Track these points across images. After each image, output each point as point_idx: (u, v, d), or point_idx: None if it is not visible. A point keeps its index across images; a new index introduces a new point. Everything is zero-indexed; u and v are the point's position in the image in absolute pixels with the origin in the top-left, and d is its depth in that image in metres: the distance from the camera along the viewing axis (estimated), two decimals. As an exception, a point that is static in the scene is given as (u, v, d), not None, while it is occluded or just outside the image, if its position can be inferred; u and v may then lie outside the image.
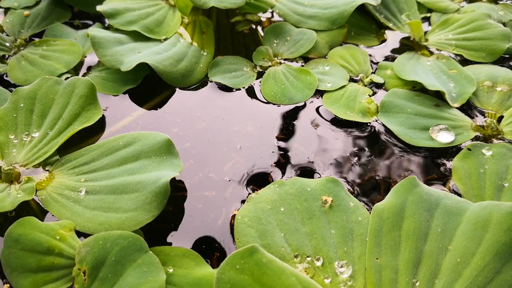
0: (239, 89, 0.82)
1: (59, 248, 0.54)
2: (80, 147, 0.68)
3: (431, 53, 0.92)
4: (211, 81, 0.83)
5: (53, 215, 0.60)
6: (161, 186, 0.58)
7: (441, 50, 0.93)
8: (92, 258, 0.52)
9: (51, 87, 0.74)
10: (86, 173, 0.64)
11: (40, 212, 0.62)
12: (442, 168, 0.70)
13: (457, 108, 0.79)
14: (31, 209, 0.62)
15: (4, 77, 0.84)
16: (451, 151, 0.72)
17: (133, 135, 0.67)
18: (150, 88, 0.82)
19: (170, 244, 0.60)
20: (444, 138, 0.73)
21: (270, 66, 0.86)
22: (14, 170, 0.64)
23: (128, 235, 0.53)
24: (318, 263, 0.56)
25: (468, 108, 0.80)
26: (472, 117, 0.78)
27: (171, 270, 0.54)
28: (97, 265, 0.52)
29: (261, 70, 0.86)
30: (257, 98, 0.81)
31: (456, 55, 0.91)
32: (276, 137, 0.74)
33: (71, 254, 0.54)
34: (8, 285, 0.55)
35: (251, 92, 0.82)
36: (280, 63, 0.87)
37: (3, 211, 0.58)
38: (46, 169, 0.66)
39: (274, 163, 0.70)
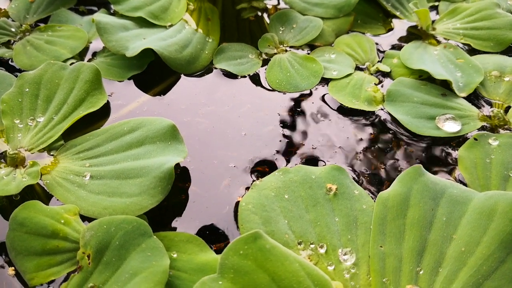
0: (244, 76, 0.82)
1: (64, 232, 0.55)
2: (85, 132, 0.68)
3: (439, 42, 0.91)
4: (216, 68, 0.83)
5: (57, 200, 0.60)
6: (165, 171, 0.58)
7: (448, 40, 0.92)
8: (96, 242, 0.53)
9: (56, 72, 0.73)
10: (90, 158, 0.64)
11: (45, 197, 0.62)
12: (447, 158, 0.70)
13: (464, 97, 0.78)
14: (36, 193, 0.63)
15: (10, 62, 0.84)
16: (457, 140, 0.72)
17: (138, 120, 0.67)
18: (155, 74, 0.81)
19: (174, 229, 0.60)
20: (450, 127, 0.72)
21: (275, 53, 0.86)
22: (19, 154, 0.64)
23: (132, 220, 0.53)
24: (322, 250, 0.56)
25: (475, 98, 0.79)
26: (479, 107, 0.77)
27: (175, 255, 0.54)
28: (101, 249, 0.52)
29: (266, 57, 0.85)
30: (262, 86, 0.80)
31: (464, 44, 0.90)
32: (281, 125, 0.74)
33: (76, 238, 0.54)
34: (13, 267, 0.55)
35: (256, 79, 0.81)
36: (286, 50, 0.86)
37: (8, 195, 0.59)
38: (51, 153, 0.66)
39: (279, 150, 0.70)
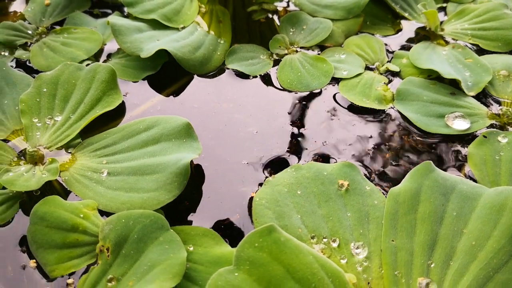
0: (256, 77, 0.83)
1: (83, 226, 0.56)
2: (102, 131, 0.70)
3: (447, 42, 0.92)
4: (228, 68, 0.84)
5: (76, 195, 0.62)
6: (181, 167, 0.59)
7: (457, 40, 0.93)
8: (115, 236, 0.54)
9: (73, 72, 0.75)
10: (107, 155, 0.66)
11: (64, 193, 0.64)
12: (457, 155, 0.71)
13: (472, 96, 0.79)
14: (55, 189, 0.64)
15: (27, 64, 0.86)
16: (467, 138, 0.73)
17: (154, 119, 0.68)
18: (168, 75, 0.83)
19: (190, 224, 0.61)
20: (459, 125, 0.73)
21: (286, 54, 0.87)
22: (38, 152, 0.66)
23: (150, 214, 0.55)
24: (335, 244, 0.58)
25: (483, 97, 0.80)
26: (487, 106, 0.78)
27: (191, 249, 0.56)
28: (120, 242, 0.54)
29: (277, 58, 0.87)
30: (273, 85, 0.82)
31: (472, 44, 0.91)
32: (292, 123, 0.75)
33: (95, 231, 0.56)
34: (34, 260, 0.57)
35: (267, 79, 0.83)
36: (297, 51, 0.88)
37: (28, 190, 0.60)
38: (69, 151, 0.68)
39: (291, 148, 0.71)
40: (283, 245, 0.50)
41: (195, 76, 0.83)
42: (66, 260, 0.55)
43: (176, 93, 0.80)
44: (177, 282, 0.48)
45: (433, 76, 0.82)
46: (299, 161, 0.69)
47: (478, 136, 0.72)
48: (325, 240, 0.58)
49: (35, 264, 0.56)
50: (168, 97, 0.80)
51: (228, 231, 0.61)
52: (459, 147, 0.72)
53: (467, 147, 0.71)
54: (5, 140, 0.70)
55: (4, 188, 0.62)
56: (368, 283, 0.55)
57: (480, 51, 0.89)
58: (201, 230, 0.58)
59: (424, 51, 0.87)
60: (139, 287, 0.48)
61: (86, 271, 0.54)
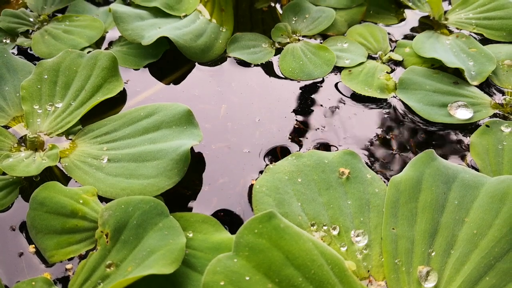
0: (258, 65, 0.83)
1: (83, 212, 0.56)
2: (102, 118, 0.70)
3: (451, 32, 0.91)
4: (229, 57, 0.84)
5: (76, 182, 0.62)
6: (181, 154, 0.59)
7: (461, 29, 0.92)
8: (114, 221, 0.54)
9: (74, 60, 0.75)
10: (108, 142, 0.66)
11: (64, 179, 0.64)
12: (459, 144, 0.70)
13: (476, 86, 0.78)
14: (55, 176, 0.64)
15: (28, 51, 0.85)
16: (470, 127, 0.72)
17: (154, 106, 0.68)
18: (170, 62, 0.83)
19: (190, 210, 0.61)
20: (462, 114, 0.73)
21: (288, 42, 0.87)
22: (38, 138, 0.66)
23: (150, 200, 0.55)
24: (335, 232, 0.57)
25: (487, 86, 0.79)
26: (491, 95, 0.77)
27: (190, 235, 0.55)
28: (119, 228, 0.53)
29: (279, 46, 0.86)
30: (275, 74, 0.81)
31: (477, 34, 0.90)
32: (294, 111, 0.75)
33: (94, 217, 0.56)
34: (33, 245, 0.57)
35: (269, 67, 0.82)
36: (299, 40, 0.87)
37: (28, 176, 0.60)
38: (69, 138, 0.68)
39: (292, 136, 0.71)
40: (283, 231, 0.50)
41: (197, 64, 0.83)
42: (65, 245, 0.55)
43: (177, 81, 0.80)
44: (176, 268, 0.48)
45: (436, 66, 0.82)
46: (300, 149, 0.69)
47: (481, 125, 0.71)
48: (325, 227, 0.58)
49: (34, 249, 0.56)
50: (169, 85, 0.79)
51: (228, 218, 0.60)
52: (461, 137, 0.71)
53: (469, 136, 0.71)
54: (6, 127, 0.70)
55: (4, 174, 0.62)
56: (368, 271, 0.55)
57: (484, 41, 0.89)
58: (201, 217, 0.58)
59: (428, 40, 0.87)
60: (138, 272, 0.48)
61: (85, 257, 0.54)
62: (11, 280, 0.54)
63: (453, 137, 0.71)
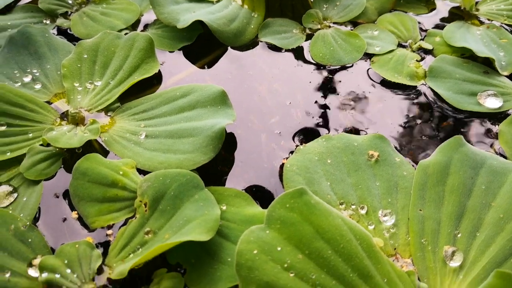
0: (288, 50, 0.85)
1: (122, 182, 0.59)
2: (139, 97, 0.72)
3: (482, 23, 0.91)
4: (261, 42, 0.86)
5: (115, 155, 0.65)
6: (216, 132, 0.62)
7: (492, 20, 0.92)
8: (153, 192, 0.57)
9: (112, 40, 0.78)
10: (145, 119, 0.68)
11: (103, 153, 0.67)
12: (488, 132, 0.71)
13: (506, 76, 0.79)
14: (95, 149, 0.67)
15: (68, 32, 0.89)
16: (499, 116, 0.73)
17: (190, 86, 0.70)
18: (203, 46, 0.85)
19: (223, 185, 0.63)
20: (491, 103, 0.74)
21: (319, 29, 0.88)
22: (79, 113, 0.69)
23: (186, 173, 0.57)
24: (363, 211, 0.59)
25: (517, 77, 0.80)
26: (521, 86, 0.78)
27: (224, 208, 0.58)
28: (157, 198, 0.56)
29: (310, 32, 0.88)
30: (305, 59, 0.83)
31: (508, 25, 0.90)
32: (324, 96, 0.76)
33: (133, 188, 0.59)
34: (76, 211, 0.60)
35: (299, 53, 0.84)
36: (329, 26, 0.89)
37: (71, 147, 0.63)
38: (108, 114, 0.71)
39: (321, 119, 0.73)
40: (313, 207, 0.51)
41: (229, 48, 0.85)
42: (106, 213, 0.58)
43: (211, 64, 0.82)
44: (211, 236, 0.51)
45: (466, 55, 0.82)
46: (329, 132, 0.71)
47: (510, 114, 0.72)
48: (353, 206, 0.59)
49: (76, 216, 0.60)
50: (202, 68, 0.82)
51: (259, 194, 0.63)
52: (490, 125, 0.72)
53: (498, 125, 0.71)
54: (48, 102, 0.73)
55: (48, 146, 0.65)
56: (395, 248, 0.56)
57: (516, 32, 0.89)
58: (234, 191, 0.60)
59: (458, 30, 0.87)
60: (175, 239, 0.51)
61: (124, 224, 0.57)
62: (56, 243, 0.57)
63: (482, 125, 0.72)
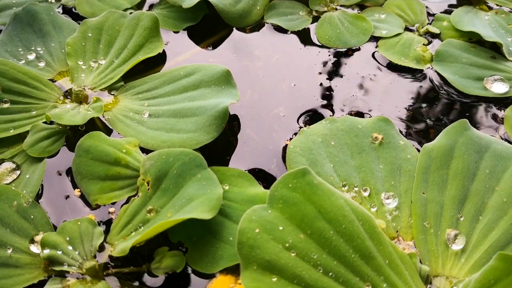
0: (294, 32, 0.84)
1: (125, 160, 0.59)
2: (143, 76, 0.72)
3: (490, 8, 0.90)
4: (267, 23, 0.85)
5: (118, 133, 0.65)
6: (220, 111, 0.61)
7: (501, 6, 0.91)
8: (155, 170, 0.57)
9: (117, 19, 0.77)
10: (149, 98, 0.68)
11: (106, 131, 0.66)
12: (493, 117, 0.70)
13: (514, 61, 0.78)
14: (98, 128, 0.67)
15: (73, 10, 0.88)
16: (505, 102, 0.72)
17: (194, 66, 0.70)
18: (208, 26, 0.84)
19: (226, 165, 0.63)
20: (498, 88, 0.73)
21: (325, 11, 0.87)
22: (83, 91, 0.69)
23: (189, 152, 0.57)
24: (365, 194, 0.59)
25: (525, 63, 0.79)
26: (528, 71, 0.77)
27: (226, 187, 0.58)
28: (160, 177, 0.56)
29: (316, 15, 0.87)
30: (311, 41, 0.82)
31: (517, 11, 0.89)
32: (329, 78, 0.76)
33: (136, 166, 0.59)
34: (78, 189, 0.60)
35: (305, 35, 0.83)
36: (336, 9, 0.88)
37: (74, 125, 0.63)
38: (112, 93, 0.71)
39: (326, 102, 0.72)
40: (316, 187, 0.51)
41: (234, 29, 0.84)
42: (109, 191, 0.58)
43: (216, 45, 0.82)
44: (214, 215, 0.51)
45: (473, 40, 0.81)
46: (333, 114, 0.70)
47: (516, 100, 0.71)
48: (356, 189, 0.59)
49: (79, 193, 0.60)
50: (207, 47, 0.81)
51: (262, 175, 0.63)
52: (495, 110, 0.71)
53: (504, 110, 0.71)
54: (52, 80, 0.73)
55: (51, 123, 0.65)
56: (397, 231, 0.56)
57: (525, 18, 0.87)
58: (236, 171, 0.60)
59: (466, 15, 0.86)
60: (178, 217, 0.51)
61: (127, 202, 0.57)
62: (58, 220, 0.57)
63: (487, 110, 0.71)
